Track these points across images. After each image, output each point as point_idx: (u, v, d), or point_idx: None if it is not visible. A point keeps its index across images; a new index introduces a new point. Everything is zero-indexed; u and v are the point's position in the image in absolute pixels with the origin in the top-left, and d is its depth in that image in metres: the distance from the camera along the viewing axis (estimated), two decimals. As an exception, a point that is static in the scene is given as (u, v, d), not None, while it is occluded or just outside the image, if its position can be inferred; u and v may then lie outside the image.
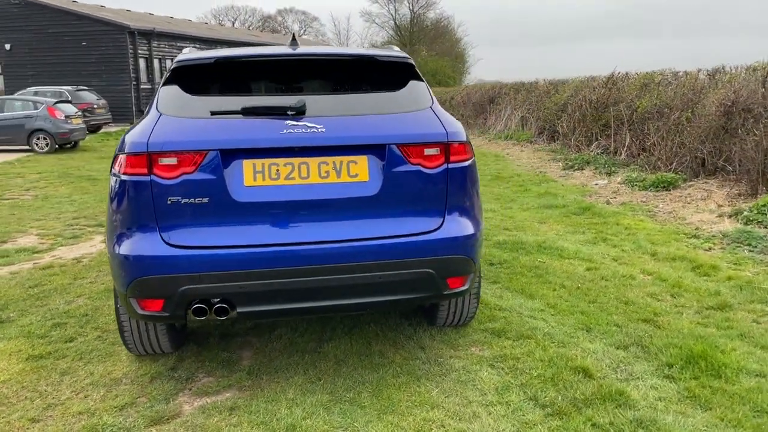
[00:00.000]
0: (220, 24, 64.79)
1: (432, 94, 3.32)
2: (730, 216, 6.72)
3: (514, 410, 2.88)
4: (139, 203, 2.77)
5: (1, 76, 25.84)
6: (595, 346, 3.52)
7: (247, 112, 2.86)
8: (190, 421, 2.87)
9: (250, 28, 65.56)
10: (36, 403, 3.07)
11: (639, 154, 10.63)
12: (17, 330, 3.95)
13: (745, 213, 6.56)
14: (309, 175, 2.82)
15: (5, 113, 16.01)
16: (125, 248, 2.80)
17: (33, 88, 21.04)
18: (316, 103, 2.99)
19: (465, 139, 3.09)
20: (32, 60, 25.30)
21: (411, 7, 41.67)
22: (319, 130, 2.82)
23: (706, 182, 8.61)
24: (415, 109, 3.08)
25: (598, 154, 11.69)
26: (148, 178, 2.75)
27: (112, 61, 24.62)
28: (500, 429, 2.75)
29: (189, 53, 3.29)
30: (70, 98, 19.64)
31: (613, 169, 10.30)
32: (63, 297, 4.59)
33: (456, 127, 3.09)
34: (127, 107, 24.58)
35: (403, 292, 2.97)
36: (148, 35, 25.30)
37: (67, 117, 16.13)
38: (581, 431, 2.70)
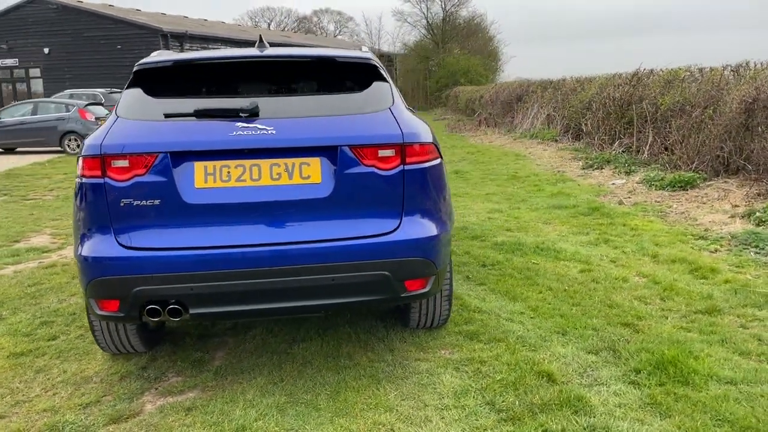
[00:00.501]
0: (256, 26, 65.57)
1: (396, 94, 3.30)
2: (742, 217, 6.52)
3: (467, 414, 2.85)
4: (95, 205, 2.83)
5: (41, 79, 26.64)
6: (565, 351, 3.46)
7: (200, 114, 2.89)
8: (146, 420, 2.92)
9: (285, 29, 66.22)
10: (6, 400, 3.15)
11: (661, 153, 10.38)
12: (5, 328, 4.07)
13: (758, 214, 6.34)
14: (260, 177, 2.83)
15: (39, 115, 16.54)
16: (84, 249, 2.86)
17: (69, 91, 21.65)
18: (270, 105, 3.01)
19: (425, 140, 3.06)
20: (69, 63, 26.03)
21: (443, 6, 41.50)
22: (270, 131, 2.84)
23: (725, 182, 8.36)
24: (373, 111, 3.06)
25: (619, 153, 11.45)
26: (102, 181, 2.80)
27: (145, 64, 25.13)
28: (450, 434, 2.72)
29: (157, 56, 3.34)
30: (103, 100, 20.16)
31: (632, 168, 10.08)
32: (57, 296, 4.71)
33: (415, 129, 3.06)
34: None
35: (358, 294, 2.96)
36: (181, 38, 25.77)
37: (97, 119, 16.55)
38: (532, 437, 2.65)
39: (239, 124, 2.84)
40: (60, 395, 3.20)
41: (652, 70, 12.74)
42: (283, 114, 2.97)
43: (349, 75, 3.27)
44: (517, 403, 2.92)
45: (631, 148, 11.47)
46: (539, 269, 5.00)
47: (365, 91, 3.19)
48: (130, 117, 2.96)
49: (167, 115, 2.91)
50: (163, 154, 2.78)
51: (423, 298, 3.22)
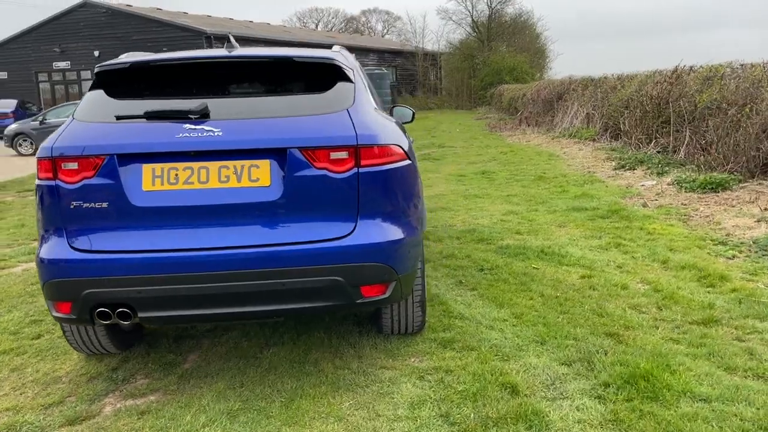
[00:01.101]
0: (303, 26, 66.24)
1: (361, 95, 3.21)
2: (769, 221, 6.16)
3: (418, 427, 2.75)
4: (49, 207, 2.85)
5: (91, 82, 27.48)
6: (538, 361, 3.31)
7: (150, 116, 2.87)
8: (99, 423, 2.93)
9: (332, 29, 66.65)
10: (-26, 398, 3.21)
11: (697, 153, 9.95)
12: (-5, 326, 4.16)
13: (785, 218, 5.99)
14: (208, 180, 2.80)
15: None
16: (41, 251, 2.89)
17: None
18: (223, 106, 2.97)
19: (383, 142, 2.97)
20: (119, 66, 26.80)
21: (489, 3, 40.94)
22: (216, 133, 2.80)
23: (760, 183, 7.95)
24: (328, 112, 2.98)
25: (654, 153, 11.04)
26: (54, 183, 2.82)
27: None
28: (395, 446, 2.63)
29: (125, 57, 3.34)
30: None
31: (665, 169, 9.69)
32: (54, 294, 4.80)
33: (373, 131, 2.97)
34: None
35: (310, 300, 2.89)
36: (223, 39, 26.18)
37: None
38: (478, 453, 2.53)
39: (187, 125, 2.81)
40: (26, 395, 3.24)
41: (691, 67, 12.24)
42: (234, 115, 2.92)
43: (308, 75, 3.20)
44: (472, 415, 2.80)
45: (667, 148, 11.04)
46: (537, 274, 4.83)
47: (323, 91, 3.11)
48: (85, 119, 2.97)
49: (118, 117, 2.91)
50: (110, 157, 2.78)
51: (383, 304, 3.13)
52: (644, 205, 7.53)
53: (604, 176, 10.10)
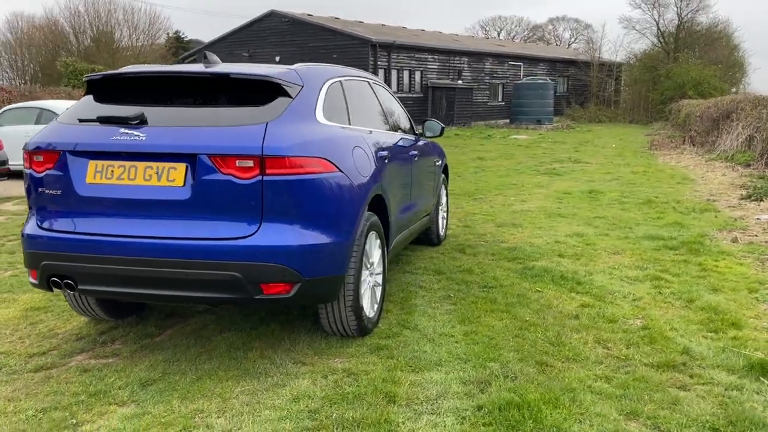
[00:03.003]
0: (486, 35, 66.30)
1: (298, 109, 3.48)
2: None
3: (281, 417, 2.97)
4: (28, 191, 3.52)
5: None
6: (441, 377, 3.37)
7: (101, 120, 3.40)
8: (53, 373, 3.53)
9: (513, 38, 65.91)
10: (-11, 340, 4.00)
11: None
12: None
13: None
14: (136, 177, 3.27)
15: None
16: (24, 227, 3.56)
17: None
18: (161, 114, 3.42)
19: (292, 154, 3.23)
20: (294, 70, 29.06)
21: (678, 12, 38.00)
22: (141, 137, 3.25)
23: None
24: (248, 124, 3.30)
25: (796, 183, 9.81)
26: (29, 171, 3.47)
27: (354, 72, 27.15)
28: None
29: (132, 68, 3.88)
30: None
31: (796, 202, 8.62)
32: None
33: (285, 143, 3.24)
34: (363, 113, 26.88)
35: (211, 290, 3.25)
36: (388, 47, 27.29)
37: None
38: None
39: (122, 129, 3.30)
40: (24, 343, 3.97)
41: None
42: (164, 123, 3.36)
43: (243, 90, 3.52)
44: (334, 415, 2.99)
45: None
46: (533, 298, 4.74)
47: (255, 105, 3.43)
48: (62, 121, 3.60)
49: (80, 120, 3.48)
50: (63, 152, 3.36)
51: (288, 303, 3.40)
52: (734, 241, 6.84)
53: (723, 206, 9.22)
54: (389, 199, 4.31)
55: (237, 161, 3.18)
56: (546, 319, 4.29)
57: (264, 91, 3.50)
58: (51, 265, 3.38)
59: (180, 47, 40.69)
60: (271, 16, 29.79)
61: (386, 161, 4.30)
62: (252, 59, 30.23)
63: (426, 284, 5.08)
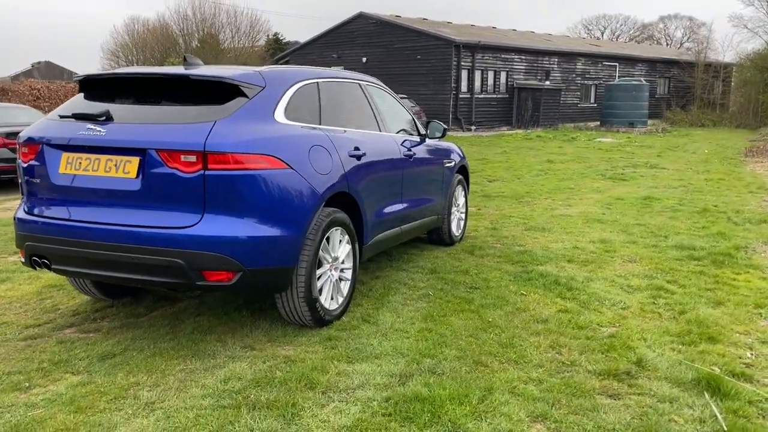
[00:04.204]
0: (588, 34, 64.19)
1: (252, 109, 3.70)
2: None
3: (204, 395, 3.20)
4: (21, 179, 3.94)
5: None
6: (369, 368, 3.50)
7: (75, 116, 3.76)
8: (37, 343, 3.94)
9: (618, 37, 63.42)
10: (10, 311, 4.50)
11: None
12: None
13: None
14: (98, 169, 3.60)
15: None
16: (17, 211, 4.00)
17: (364, 95, 24.73)
18: (127, 111, 3.74)
19: (234, 151, 3.45)
20: (380, 71, 29.47)
21: (797, 8, 35.18)
22: (101, 133, 3.58)
23: None
24: (197, 121, 3.54)
25: None
26: (19, 161, 3.89)
27: (438, 72, 27.19)
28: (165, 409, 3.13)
29: (110, 71, 4.25)
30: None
31: None
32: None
33: (229, 141, 3.46)
34: (445, 114, 26.87)
35: (157, 275, 3.53)
36: (473, 48, 27.13)
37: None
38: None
39: (88, 125, 3.64)
40: (27, 316, 4.43)
41: None
42: (126, 120, 3.67)
43: (203, 91, 3.76)
44: (252, 396, 3.19)
45: None
46: (512, 301, 4.72)
47: (210, 105, 3.68)
48: (49, 117, 4.00)
49: (60, 116, 3.87)
50: (41, 145, 3.75)
51: (230, 290, 3.63)
52: (772, 253, 6.42)
53: (788, 217, 8.59)
54: (363, 197, 4.44)
55: (182, 156, 3.44)
56: (512, 322, 4.28)
57: (222, 92, 3.74)
58: (31, 245, 3.79)
59: (278, 49, 42.30)
60: (360, 18, 30.38)
61: (361, 160, 4.44)
62: (340, 60, 30.99)
63: (413, 282, 5.17)
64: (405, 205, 5.27)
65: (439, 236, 6.37)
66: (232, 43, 42.80)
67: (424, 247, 6.39)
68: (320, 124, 4.27)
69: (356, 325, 4.17)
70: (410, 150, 5.36)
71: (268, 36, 44.97)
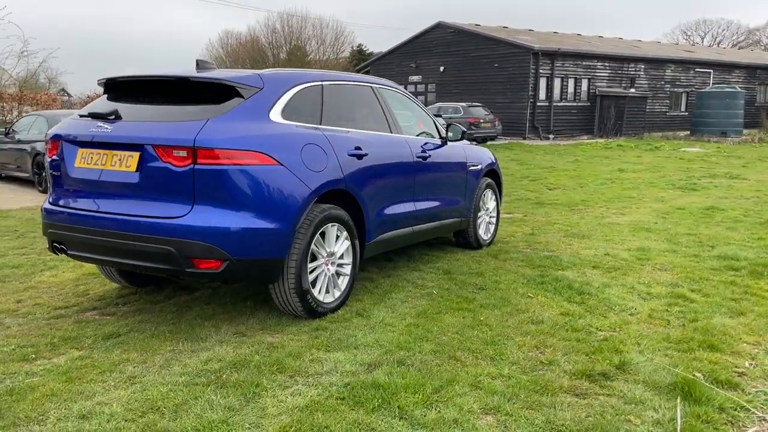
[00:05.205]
0: (687, 41, 61.42)
1: (247, 108, 3.92)
2: None
3: (183, 373, 3.42)
4: (48, 173, 4.35)
5: (435, 94, 30.89)
6: (344, 357, 3.62)
7: (91, 115, 4.11)
8: (55, 323, 4.31)
9: (719, 43, 60.26)
10: (27, 291, 4.95)
11: None
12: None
13: None
14: (106, 163, 3.93)
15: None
16: (44, 202, 4.41)
17: (438, 104, 24.82)
18: (133, 111, 4.06)
19: (221, 147, 3.67)
20: (457, 80, 29.54)
21: None
22: (108, 130, 3.90)
23: None
24: (192, 119, 3.79)
25: None
26: (47, 157, 4.30)
27: (515, 81, 26.89)
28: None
29: (124, 74, 4.56)
30: (461, 113, 22.71)
31: None
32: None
33: (218, 137, 3.69)
34: (522, 123, 26.51)
35: (150, 261, 3.80)
36: (552, 55, 26.64)
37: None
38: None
39: (99, 123, 3.98)
40: (58, 298, 4.86)
41: None
42: (132, 118, 3.98)
43: (204, 92, 4.02)
44: (224, 376, 3.38)
45: None
46: (515, 302, 4.70)
47: (208, 104, 3.92)
48: (73, 116, 4.38)
49: (80, 116, 4.24)
50: (60, 142, 4.13)
51: (219, 278, 3.85)
52: (825, 265, 5.99)
53: None
54: (364, 196, 4.57)
55: (174, 151, 3.70)
56: (505, 322, 4.27)
57: (220, 93, 3.99)
58: (52, 233, 4.18)
59: (361, 59, 43.13)
60: (438, 27, 30.55)
61: (362, 159, 4.57)
62: (418, 70, 31.26)
63: (422, 282, 5.23)
64: (418, 205, 5.35)
65: (465, 239, 6.39)
66: (317, 55, 44.07)
67: (449, 249, 6.43)
68: (321, 124, 4.44)
69: (348, 318, 4.29)
70: (425, 152, 5.44)
71: (352, 47, 45.96)
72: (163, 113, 4.05)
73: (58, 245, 4.19)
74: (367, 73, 35.16)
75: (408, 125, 5.49)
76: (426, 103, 29.60)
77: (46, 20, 69.57)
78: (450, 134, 5.93)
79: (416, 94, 32.19)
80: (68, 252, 4.15)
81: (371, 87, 5.23)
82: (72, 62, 66.33)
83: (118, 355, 3.70)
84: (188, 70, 4.32)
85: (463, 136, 5.97)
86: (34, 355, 3.72)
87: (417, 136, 5.62)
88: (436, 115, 20.92)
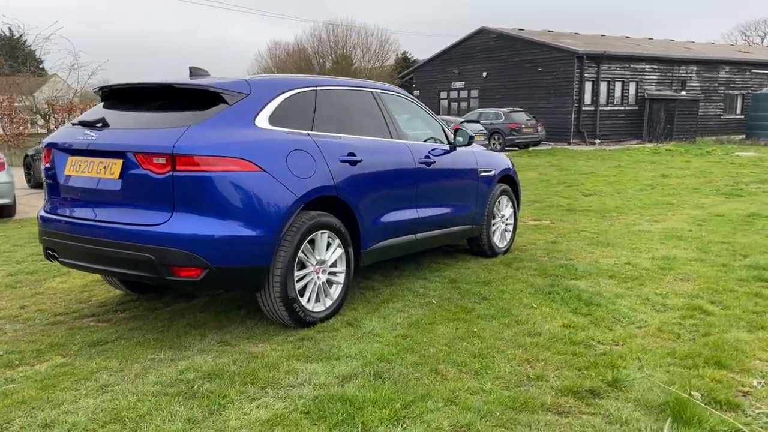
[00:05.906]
0: (747, 42, 59.25)
1: (230, 114, 3.87)
2: None
3: (155, 383, 3.38)
4: (43, 180, 4.40)
5: (478, 99, 30.56)
6: (321, 369, 3.50)
7: (81, 123, 4.13)
8: (49, 329, 4.35)
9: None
10: (30, 298, 5.02)
11: None
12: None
13: None
14: (92, 171, 3.93)
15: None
16: (40, 210, 4.47)
17: (479, 110, 24.54)
18: (119, 118, 4.05)
19: (200, 153, 3.62)
20: (499, 85, 29.15)
21: None
22: (93, 137, 3.91)
23: None
24: (173, 126, 3.76)
25: None
26: (43, 165, 4.35)
27: (559, 85, 26.33)
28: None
29: (114, 83, 4.57)
30: (502, 118, 22.38)
31: None
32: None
33: (198, 144, 3.64)
34: (567, 128, 25.92)
35: (132, 268, 3.77)
36: (597, 58, 26.01)
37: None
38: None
39: (86, 131, 3.99)
40: (60, 305, 4.91)
41: None
42: (117, 126, 3.97)
43: (190, 98, 3.98)
44: (195, 386, 3.31)
45: None
46: (516, 313, 4.50)
47: (192, 110, 3.88)
48: (66, 125, 4.42)
49: (72, 124, 4.26)
50: (51, 150, 4.16)
51: (198, 287, 3.80)
52: None
53: None
54: (358, 202, 4.46)
55: (154, 158, 3.67)
56: (500, 334, 4.09)
57: (205, 99, 3.95)
58: (45, 240, 4.22)
59: (405, 67, 43.13)
60: (481, 33, 30.26)
61: (356, 165, 4.46)
62: (460, 75, 31.02)
63: (423, 291, 5.08)
64: (421, 212, 5.20)
65: (479, 247, 6.21)
66: (362, 63, 44.27)
67: (461, 257, 6.25)
68: (313, 130, 4.36)
69: (337, 328, 4.18)
70: (430, 157, 5.29)
71: (396, 55, 46.01)
72: (147, 120, 4.05)
73: (50, 252, 4.22)
74: (410, 80, 35.12)
75: (415, 131, 5.36)
76: (468, 109, 29.36)
77: (103, 36, 72.20)
78: (459, 139, 5.77)
79: (459, 100, 31.95)
80: (59, 259, 4.17)
81: (371, 92, 5.12)
82: (129, 74, 68.74)
83: (98, 363, 3.68)
84: (180, 77, 4.31)
85: (470, 141, 5.80)
86: (18, 362, 3.74)
87: (424, 141, 5.48)
88: (475, 121, 20.79)
